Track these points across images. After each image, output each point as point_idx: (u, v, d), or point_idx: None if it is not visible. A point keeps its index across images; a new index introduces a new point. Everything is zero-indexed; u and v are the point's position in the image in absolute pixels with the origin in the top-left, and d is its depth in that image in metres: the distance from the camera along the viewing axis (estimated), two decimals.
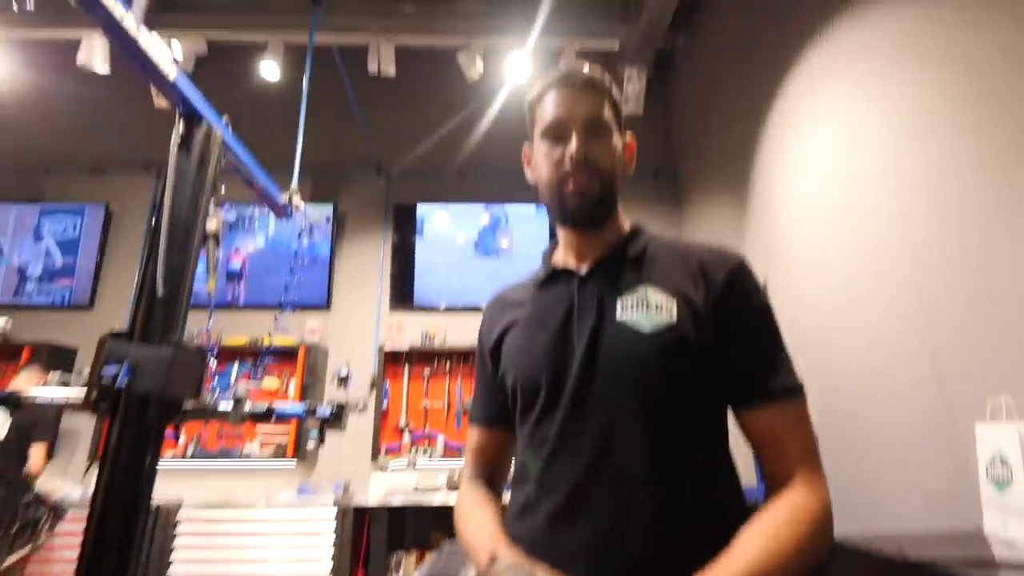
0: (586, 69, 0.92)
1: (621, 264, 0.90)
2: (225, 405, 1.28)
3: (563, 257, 0.97)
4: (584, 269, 0.91)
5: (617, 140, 0.92)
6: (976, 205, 1.66)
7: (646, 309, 0.82)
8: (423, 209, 4.36)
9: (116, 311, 4.03)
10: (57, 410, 3.17)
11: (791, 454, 0.77)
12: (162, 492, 3.35)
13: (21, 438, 3.01)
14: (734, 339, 0.81)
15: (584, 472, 0.77)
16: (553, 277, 0.95)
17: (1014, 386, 1.48)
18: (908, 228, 1.94)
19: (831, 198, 2.41)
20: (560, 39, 3.83)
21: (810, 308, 2.49)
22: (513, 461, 0.94)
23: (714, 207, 3.75)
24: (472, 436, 1.01)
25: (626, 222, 0.96)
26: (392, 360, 4.01)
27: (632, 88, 4.01)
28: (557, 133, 0.89)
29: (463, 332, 4.03)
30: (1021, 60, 1.53)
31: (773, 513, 0.73)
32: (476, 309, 4.14)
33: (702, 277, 0.85)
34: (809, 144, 2.59)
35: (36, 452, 3.02)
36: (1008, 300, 1.54)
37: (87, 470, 3.55)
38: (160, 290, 1.14)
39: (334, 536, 3.12)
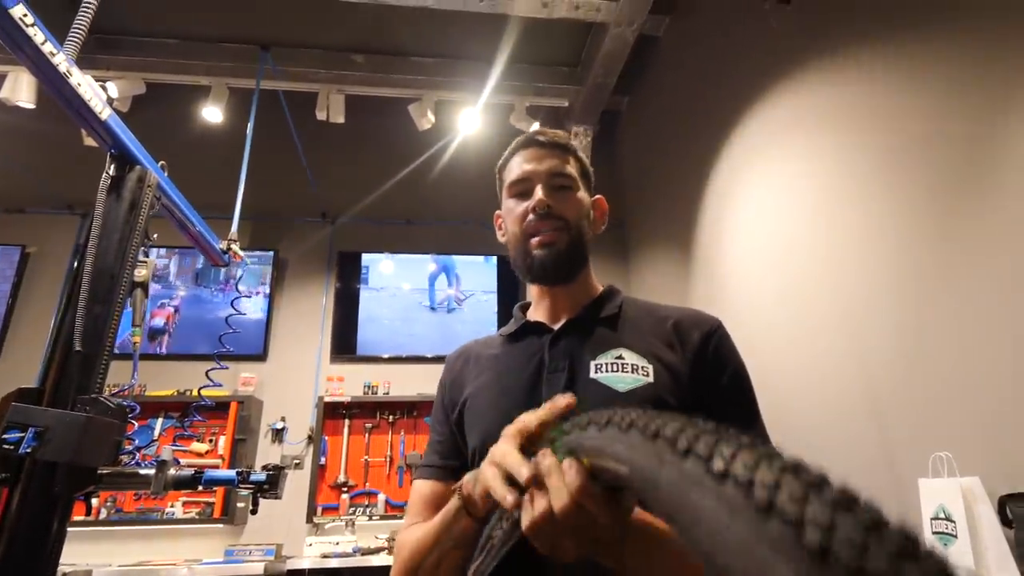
0: (550, 132, 0.93)
1: (595, 323, 0.88)
2: (146, 470, 1.17)
3: (535, 314, 0.95)
4: (557, 326, 0.89)
5: (584, 195, 0.92)
6: (910, 264, 1.76)
7: (621, 370, 0.79)
8: (368, 258, 4.28)
9: (28, 362, 3.70)
10: None
11: None
12: (70, 560, 3.05)
13: None
14: (710, 403, 0.79)
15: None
16: (523, 331, 0.92)
17: (953, 442, 1.53)
18: (845, 287, 2.03)
19: (771, 257, 2.52)
20: (511, 96, 3.94)
21: (752, 365, 2.53)
22: None
23: (660, 261, 3.86)
24: (421, 490, 0.87)
25: (599, 284, 0.96)
26: (331, 412, 3.83)
27: (579, 144, 4.15)
28: (522, 189, 0.90)
29: (408, 383, 3.91)
30: (947, 126, 1.66)
31: None
32: (421, 359, 4.05)
33: (677, 339, 0.83)
34: (750, 203, 2.71)
35: None
36: (945, 356, 1.61)
37: None
38: (77, 344, 1.04)
39: None
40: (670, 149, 3.68)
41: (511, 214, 0.91)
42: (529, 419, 0.58)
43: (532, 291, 0.96)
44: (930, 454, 1.54)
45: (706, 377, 0.81)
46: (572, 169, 0.91)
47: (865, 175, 1.96)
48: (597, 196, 0.98)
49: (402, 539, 0.79)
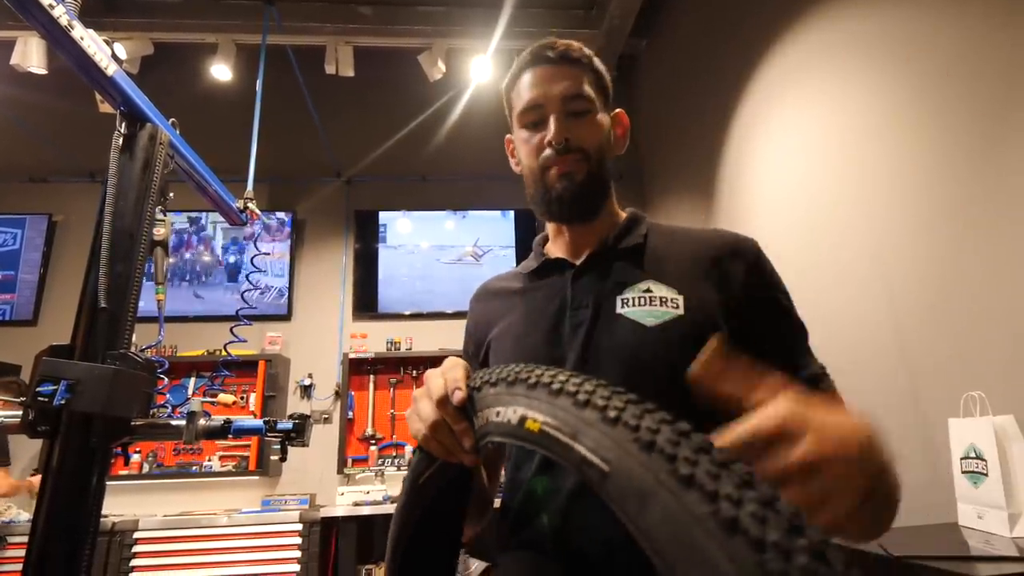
0: (560, 43, 0.82)
1: (619, 255, 0.81)
2: (178, 422, 1.21)
3: (555, 249, 0.89)
4: (579, 261, 0.83)
5: (603, 117, 0.83)
6: (941, 202, 1.70)
7: (650, 303, 0.73)
8: (385, 216, 4.28)
9: (62, 326, 3.79)
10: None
11: None
12: (118, 512, 3.22)
13: None
14: (754, 330, 0.72)
15: (576, 495, 0.68)
16: (545, 268, 0.86)
17: (986, 381, 1.50)
18: (874, 227, 1.97)
19: (797, 201, 2.45)
20: (523, 41, 3.82)
21: None
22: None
23: (680, 209, 3.79)
24: None
25: (621, 211, 0.89)
26: (357, 369, 3.91)
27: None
28: (534, 117, 0.81)
29: (429, 338, 3.97)
30: (981, 60, 1.57)
31: None
32: (442, 315, 4.08)
33: (712, 265, 0.76)
34: (775, 146, 2.62)
35: None
36: (977, 295, 1.57)
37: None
38: (102, 302, 1.07)
39: (300, 550, 3.02)
40: (691, 93, 3.55)
41: (525, 145, 0.82)
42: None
43: (549, 225, 0.90)
44: (960, 394, 1.51)
45: (747, 304, 0.74)
46: (588, 88, 0.81)
47: (897, 106, 1.87)
48: (616, 110, 0.88)
49: None
